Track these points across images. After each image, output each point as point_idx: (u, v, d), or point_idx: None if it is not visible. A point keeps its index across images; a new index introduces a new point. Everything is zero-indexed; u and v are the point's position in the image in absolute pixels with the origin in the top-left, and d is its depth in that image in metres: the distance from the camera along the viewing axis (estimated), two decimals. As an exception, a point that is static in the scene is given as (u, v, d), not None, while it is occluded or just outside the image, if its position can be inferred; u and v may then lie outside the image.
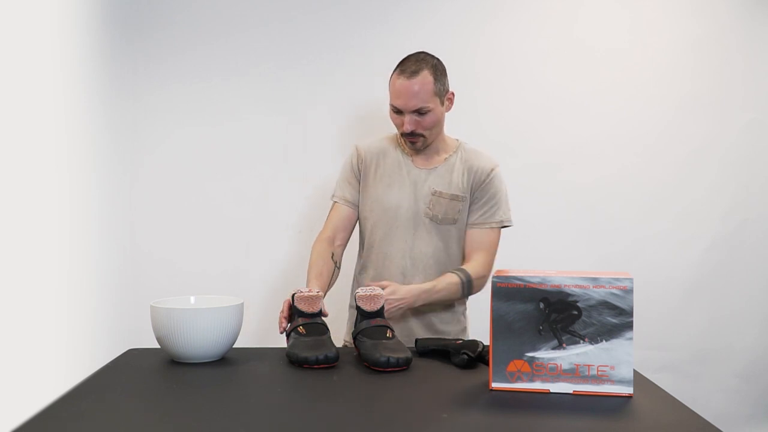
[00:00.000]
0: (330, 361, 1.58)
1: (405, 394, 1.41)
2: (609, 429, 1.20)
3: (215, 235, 2.77)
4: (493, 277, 1.39)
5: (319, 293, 1.73)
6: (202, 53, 2.73)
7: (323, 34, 2.77)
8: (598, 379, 1.36)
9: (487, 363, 1.58)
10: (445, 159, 2.04)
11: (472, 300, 2.69)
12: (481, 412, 1.29)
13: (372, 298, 1.69)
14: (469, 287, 1.96)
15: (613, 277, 1.36)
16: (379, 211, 2.03)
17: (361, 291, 1.71)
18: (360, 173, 2.08)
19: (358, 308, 1.70)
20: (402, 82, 1.92)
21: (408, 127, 1.94)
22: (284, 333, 1.74)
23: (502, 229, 2.05)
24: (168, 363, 1.64)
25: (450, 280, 1.92)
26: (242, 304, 1.71)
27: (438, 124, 1.99)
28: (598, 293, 1.35)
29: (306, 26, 2.76)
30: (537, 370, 1.38)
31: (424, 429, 1.20)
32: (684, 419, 1.24)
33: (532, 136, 2.84)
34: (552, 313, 1.37)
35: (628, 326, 1.35)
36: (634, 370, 1.41)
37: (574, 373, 1.37)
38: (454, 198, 2.00)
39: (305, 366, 1.58)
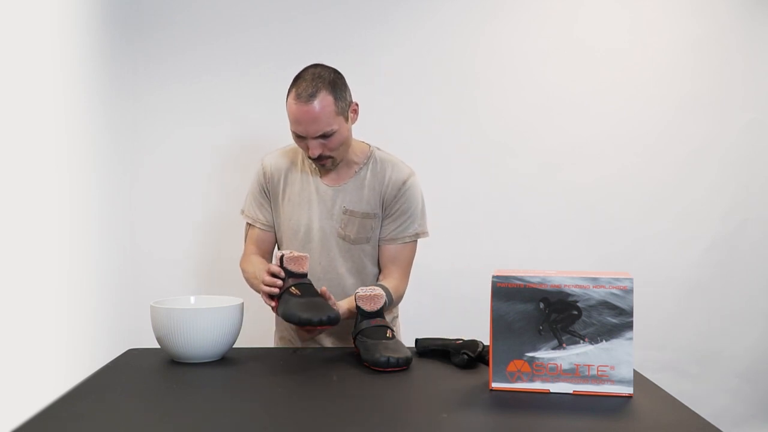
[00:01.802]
0: (333, 322, 1.58)
1: (405, 394, 1.41)
2: (609, 429, 1.20)
3: (215, 235, 2.77)
4: (493, 277, 1.39)
5: (306, 255, 1.71)
6: (202, 53, 2.73)
7: (323, 34, 2.77)
8: (598, 379, 1.36)
9: (487, 363, 1.58)
10: (356, 173, 1.92)
11: (471, 299, 2.69)
12: (481, 412, 1.29)
13: (372, 298, 1.70)
14: (390, 303, 1.84)
15: (613, 277, 1.36)
16: (290, 233, 1.94)
17: (361, 291, 1.71)
18: (269, 192, 1.98)
19: (358, 308, 1.70)
20: (299, 107, 1.75)
21: (314, 153, 1.80)
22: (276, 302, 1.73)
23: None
24: (168, 363, 1.64)
25: None
26: (242, 304, 1.71)
27: (346, 141, 1.85)
28: (598, 293, 1.35)
29: (306, 26, 2.76)
30: (537, 370, 1.38)
31: (424, 429, 1.20)
32: (684, 419, 1.24)
33: (532, 136, 2.84)
34: (552, 313, 1.37)
35: (628, 326, 1.35)
36: (634, 370, 1.41)
37: (574, 373, 1.37)
38: (365, 216, 1.90)
39: (307, 328, 1.58)
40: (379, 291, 1.71)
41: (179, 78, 2.73)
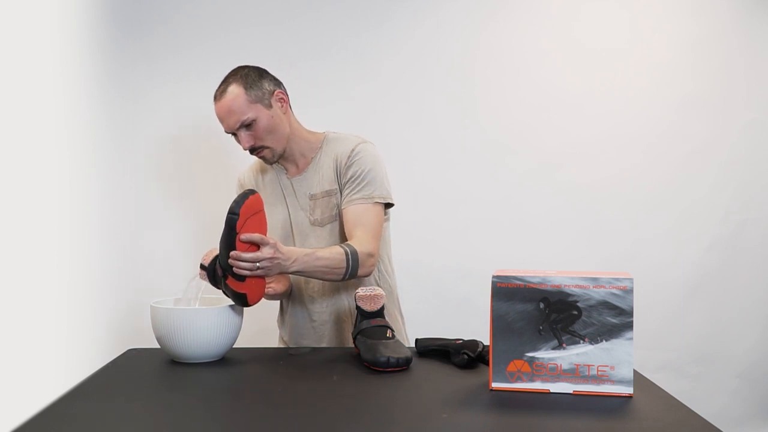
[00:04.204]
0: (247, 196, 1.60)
1: (405, 394, 1.41)
2: (609, 429, 1.20)
3: (216, 235, 2.76)
4: (493, 277, 1.39)
5: (211, 248, 1.72)
6: (202, 52, 2.74)
7: (323, 34, 2.77)
8: (598, 379, 1.36)
9: (487, 363, 1.58)
10: (312, 159, 1.97)
11: (471, 299, 2.70)
12: (481, 412, 1.29)
13: (372, 297, 1.70)
14: (354, 259, 1.78)
15: (613, 277, 1.36)
16: (272, 232, 1.96)
17: (361, 291, 1.71)
18: None
19: (358, 308, 1.70)
20: (216, 106, 1.89)
21: (245, 145, 1.88)
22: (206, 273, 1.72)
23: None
24: (168, 363, 1.64)
25: (333, 249, 1.78)
26: (242, 304, 1.71)
27: (274, 129, 1.89)
28: (598, 293, 1.35)
29: (306, 26, 2.76)
30: (537, 370, 1.38)
31: (424, 429, 1.20)
32: (684, 419, 1.24)
33: (532, 136, 2.84)
34: (552, 313, 1.37)
35: (628, 326, 1.35)
36: (634, 370, 1.41)
37: (574, 373, 1.37)
38: (326, 194, 1.93)
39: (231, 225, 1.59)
40: (379, 291, 1.71)
41: (179, 77, 2.73)
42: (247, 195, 1.62)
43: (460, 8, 2.81)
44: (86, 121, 2.31)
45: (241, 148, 1.90)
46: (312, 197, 1.95)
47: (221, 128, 2.87)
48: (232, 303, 1.68)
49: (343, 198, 1.91)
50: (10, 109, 1.76)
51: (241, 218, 1.59)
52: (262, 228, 1.66)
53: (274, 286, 1.93)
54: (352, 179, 1.90)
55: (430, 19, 2.81)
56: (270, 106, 1.90)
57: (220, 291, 1.71)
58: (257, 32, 2.74)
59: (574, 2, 2.84)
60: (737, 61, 2.87)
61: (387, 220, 2.00)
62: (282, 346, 2.08)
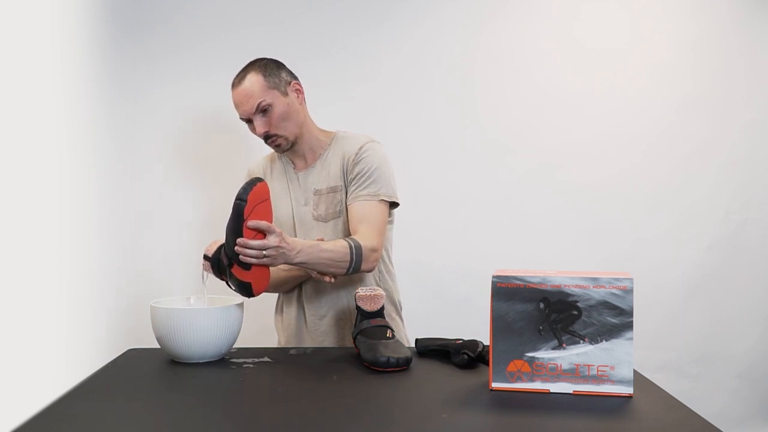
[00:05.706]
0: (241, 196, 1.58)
1: (405, 394, 1.41)
2: (609, 429, 1.20)
3: (216, 235, 2.76)
4: (493, 277, 1.39)
5: (216, 241, 1.72)
6: (202, 52, 2.73)
7: (323, 34, 2.77)
8: (598, 379, 1.36)
9: (487, 363, 1.58)
10: (320, 155, 1.99)
11: (471, 299, 2.70)
12: (481, 412, 1.29)
13: (372, 297, 1.70)
14: (358, 253, 1.78)
15: (613, 277, 1.36)
16: (278, 225, 1.96)
17: (361, 291, 1.71)
18: None
19: (358, 308, 1.71)
20: (234, 92, 1.92)
21: (260, 131, 1.90)
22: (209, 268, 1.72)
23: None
24: (168, 363, 1.64)
25: (337, 242, 1.79)
26: (242, 303, 1.71)
27: (288, 116, 1.92)
28: (598, 293, 1.35)
29: (306, 26, 2.76)
30: (537, 370, 1.38)
31: (424, 429, 1.20)
32: (684, 419, 1.24)
33: (532, 136, 2.84)
34: (552, 313, 1.37)
35: (628, 326, 1.35)
36: (634, 370, 1.41)
37: (574, 373, 1.37)
38: (331, 190, 1.95)
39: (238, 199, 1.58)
40: (379, 291, 1.71)
41: (179, 77, 2.73)
42: (254, 182, 1.62)
43: (460, 8, 2.81)
44: (86, 121, 2.31)
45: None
46: (317, 192, 1.96)
47: (222, 128, 2.87)
48: (232, 303, 1.68)
49: (348, 195, 1.93)
50: (11, 109, 1.76)
51: (249, 205, 1.59)
52: (268, 216, 1.66)
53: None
54: (359, 176, 1.91)
55: (430, 19, 2.81)
56: (286, 94, 1.93)
57: (223, 288, 1.71)
58: (257, 32, 2.74)
59: (574, 2, 2.84)
60: (737, 61, 2.87)
61: (391, 222, 2.01)
62: (279, 347, 2.08)
